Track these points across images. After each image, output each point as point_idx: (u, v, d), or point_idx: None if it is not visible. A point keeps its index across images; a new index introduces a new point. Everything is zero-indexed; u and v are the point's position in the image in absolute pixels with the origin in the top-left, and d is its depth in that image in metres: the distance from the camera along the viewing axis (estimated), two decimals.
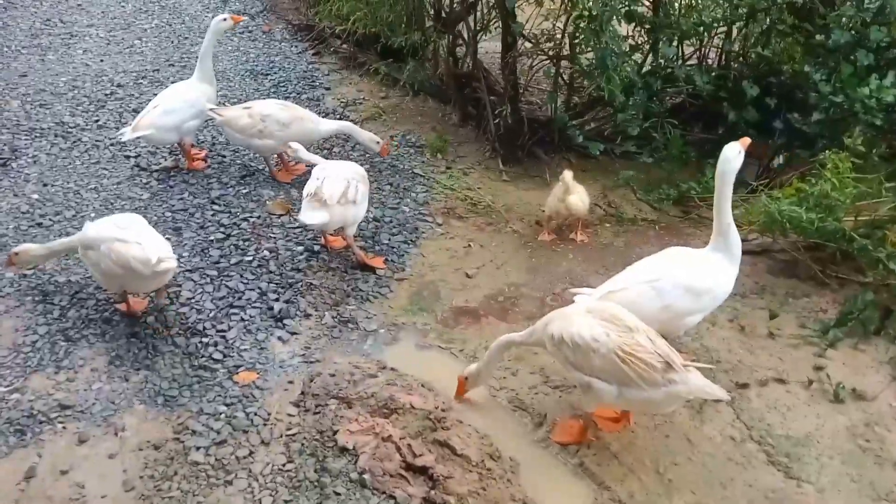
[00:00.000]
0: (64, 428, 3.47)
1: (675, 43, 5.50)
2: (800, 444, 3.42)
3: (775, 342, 4.00)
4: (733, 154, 3.47)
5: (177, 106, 5.27)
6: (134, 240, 3.85)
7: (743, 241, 4.68)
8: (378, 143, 5.29)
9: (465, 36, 6.26)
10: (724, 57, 5.74)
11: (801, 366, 3.84)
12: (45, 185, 5.24)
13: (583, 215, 4.84)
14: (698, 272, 3.55)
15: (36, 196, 5.14)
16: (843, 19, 4.78)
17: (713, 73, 5.42)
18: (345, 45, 7.45)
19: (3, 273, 4.38)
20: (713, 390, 3.10)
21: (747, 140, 3.54)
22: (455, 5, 6.19)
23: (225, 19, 5.50)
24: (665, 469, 3.30)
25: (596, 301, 3.45)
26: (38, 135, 5.90)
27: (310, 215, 4.32)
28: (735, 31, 5.63)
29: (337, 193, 4.33)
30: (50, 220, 4.86)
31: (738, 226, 4.76)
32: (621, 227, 5.01)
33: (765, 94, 5.16)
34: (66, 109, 6.28)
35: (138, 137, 5.22)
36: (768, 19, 5.26)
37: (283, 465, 3.29)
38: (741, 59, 5.65)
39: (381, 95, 6.79)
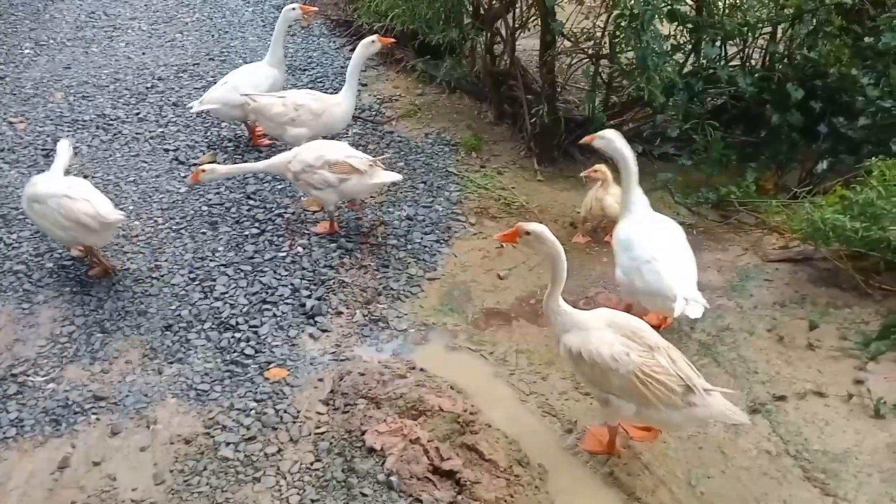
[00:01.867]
0: (98, 419, 3.52)
1: (717, 43, 5.38)
2: (838, 460, 3.32)
3: (815, 354, 3.89)
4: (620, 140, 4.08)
5: (244, 84, 5.52)
6: (82, 196, 4.09)
7: (783, 248, 4.64)
8: (373, 42, 5.30)
9: (504, 33, 6.21)
10: (768, 58, 5.60)
11: (841, 379, 3.73)
12: (85, 176, 5.31)
13: (618, 217, 4.75)
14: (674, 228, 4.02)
15: None
16: (894, 22, 4.64)
17: (757, 75, 5.29)
18: None
19: (44, 263, 4.46)
20: (734, 415, 3.02)
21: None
22: (494, 2, 6.14)
23: (294, 9, 5.76)
24: (697, 481, 3.23)
25: (616, 313, 3.30)
26: (80, 126, 6.01)
27: (390, 174, 4.68)
28: (780, 32, 5.49)
29: None
30: None
31: (780, 233, 4.71)
32: None
33: (810, 97, 5.03)
34: (108, 102, 6.39)
35: (206, 111, 5.56)
36: (815, 20, 5.11)
37: (311, 463, 3.29)
38: (786, 60, 5.50)
39: (417, 92, 6.77)
